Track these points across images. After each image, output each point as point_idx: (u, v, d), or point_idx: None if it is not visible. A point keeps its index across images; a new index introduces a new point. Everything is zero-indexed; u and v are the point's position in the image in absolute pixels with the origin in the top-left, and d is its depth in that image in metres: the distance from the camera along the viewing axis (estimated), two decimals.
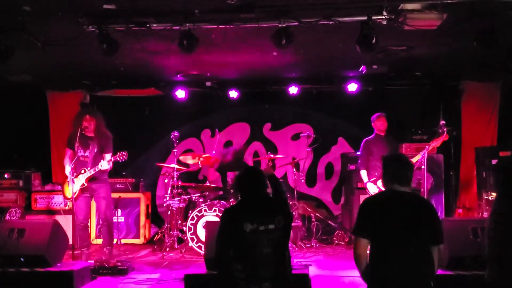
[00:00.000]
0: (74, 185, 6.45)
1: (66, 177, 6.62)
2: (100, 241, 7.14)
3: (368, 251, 3.42)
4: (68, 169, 6.59)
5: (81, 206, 6.61)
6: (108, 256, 6.62)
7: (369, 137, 7.22)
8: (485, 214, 6.89)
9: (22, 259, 5.51)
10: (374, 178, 6.79)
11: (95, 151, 6.60)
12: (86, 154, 6.59)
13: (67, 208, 7.66)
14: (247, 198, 3.79)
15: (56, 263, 5.70)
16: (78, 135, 6.51)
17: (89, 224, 7.05)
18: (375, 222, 3.37)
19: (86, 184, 6.53)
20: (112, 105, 9.00)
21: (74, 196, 6.46)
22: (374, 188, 6.74)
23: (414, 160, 6.51)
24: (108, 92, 9.10)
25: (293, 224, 6.62)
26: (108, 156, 6.60)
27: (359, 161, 7.27)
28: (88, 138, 6.64)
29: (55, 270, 5.55)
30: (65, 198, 6.71)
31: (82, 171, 6.51)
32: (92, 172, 6.49)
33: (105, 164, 6.47)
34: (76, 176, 6.50)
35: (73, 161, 6.51)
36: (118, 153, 6.56)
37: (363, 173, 7.03)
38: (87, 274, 5.86)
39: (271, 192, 4.23)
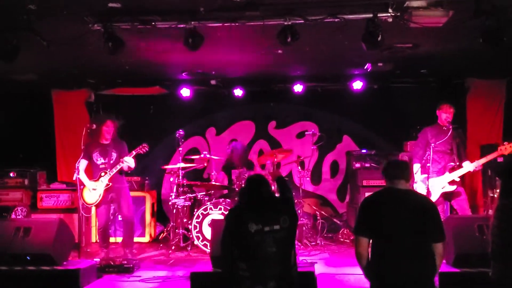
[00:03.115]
0: (98, 188, 6.53)
1: (83, 185, 6.60)
2: (112, 239, 7.20)
3: (369, 249, 3.44)
4: (85, 179, 6.59)
5: (103, 212, 6.70)
6: (129, 255, 6.67)
7: (430, 126, 6.57)
8: (491, 212, 6.85)
9: (28, 258, 5.54)
10: (426, 175, 6.21)
11: (115, 156, 6.65)
12: (106, 161, 6.64)
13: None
14: (252, 199, 3.79)
15: (62, 261, 5.72)
16: (95, 143, 6.61)
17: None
18: (375, 221, 3.41)
19: (110, 184, 6.55)
20: (117, 104, 9.02)
21: (98, 201, 6.56)
22: (423, 186, 6.21)
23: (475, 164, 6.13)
24: (113, 90, 9.11)
25: (298, 222, 6.61)
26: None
27: (413, 151, 6.72)
28: (106, 145, 6.67)
29: (61, 269, 5.57)
30: (87, 204, 6.65)
31: (102, 174, 6.56)
32: (116, 170, 6.52)
33: (130, 159, 6.51)
34: (97, 180, 6.56)
35: (92, 170, 6.65)
36: (137, 147, 6.57)
37: (416, 167, 6.40)
38: (93, 273, 5.88)
39: (278, 193, 4.24)
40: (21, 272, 5.46)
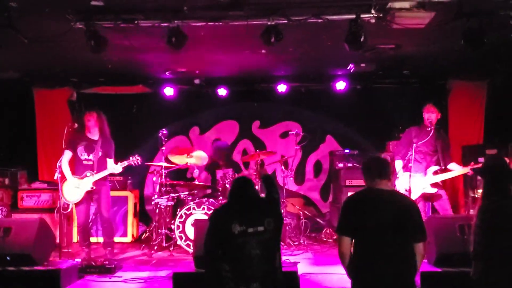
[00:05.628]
0: (81, 188, 6.42)
1: (65, 179, 6.48)
2: (94, 239, 7.13)
3: (352, 248, 3.46)
4: (68, 173, 6.48)
5: (83, 210, 6.59)
6: (109, 255, 6.60)
7: (416, 126, 6.56)
8: (473, 212, 6.92)
9: (8, 258, 5.46)
10: (408, 173, 6.20)
11: (100, 155, 6.55)
12: (90, 157, 6.53)
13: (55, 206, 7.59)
14: (236, 199, 3.78)
15: (43, 262, 5.65)
16: (81, 137, 6.50)
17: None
18: (357, 220, 3.42)
19: (94, 188, 6.47)
20: (100, 103, 8.85)
21: (79, 200, 6.45)
22: (406, 179, 6.20)
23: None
24: (96, 89, 9.02)
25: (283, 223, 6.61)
26: (110, 162, 6.55)
27: (396, 149, 6.79)
28: (93, 141, 6.58)
29: (42, 269, 5.51)
30: (66, 201, 6.54)
31: (88, 174, 6.45)
32: (102, 176, 6.45)
33: (118, 168, 6.44)
34: (82, 178, 6.45)
35: (74, 164, 6.50)
36: (131, 157, 6.52)
37: (398, 164, 6.45)
38: (74, 273, 5.81)
39: (264, 192, 4.22)
40: (0, 273, 5.37)
